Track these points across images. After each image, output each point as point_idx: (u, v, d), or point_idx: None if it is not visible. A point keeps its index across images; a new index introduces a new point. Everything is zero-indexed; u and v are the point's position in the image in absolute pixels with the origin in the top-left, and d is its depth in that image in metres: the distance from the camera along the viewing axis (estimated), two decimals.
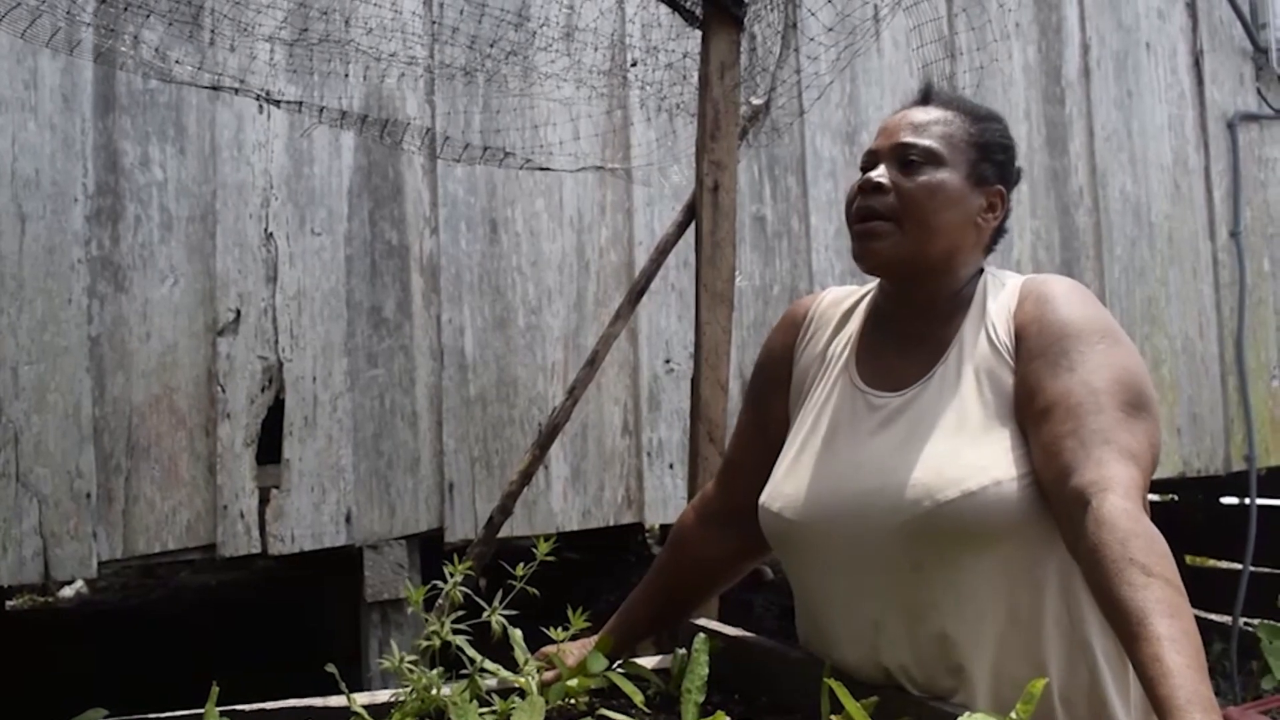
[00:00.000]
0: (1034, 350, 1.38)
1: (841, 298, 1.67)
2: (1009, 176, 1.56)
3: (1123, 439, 1.28)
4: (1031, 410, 1.35)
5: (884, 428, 1.46)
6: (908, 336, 1.52)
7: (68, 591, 7.81)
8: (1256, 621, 4.66)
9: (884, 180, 1.48)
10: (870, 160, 1.54)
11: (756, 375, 1.73)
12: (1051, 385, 1.34)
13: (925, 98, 1.58)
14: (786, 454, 1.57)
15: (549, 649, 1.62)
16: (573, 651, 1.61)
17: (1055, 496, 1.29)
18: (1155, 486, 5.40)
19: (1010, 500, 1.32)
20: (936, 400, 1.43)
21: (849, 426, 1.50)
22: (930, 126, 1.51)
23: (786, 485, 1.53)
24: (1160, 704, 1.03)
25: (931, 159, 1.48)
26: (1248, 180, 4.95)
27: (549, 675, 1.55)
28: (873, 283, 1.64)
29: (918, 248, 1.47)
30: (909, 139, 1.50)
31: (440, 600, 1.41)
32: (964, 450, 1.36)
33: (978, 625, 1.35)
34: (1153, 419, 1.35)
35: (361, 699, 1.41)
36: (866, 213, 1.49)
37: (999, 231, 1.56)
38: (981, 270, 1.54)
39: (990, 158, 1.52)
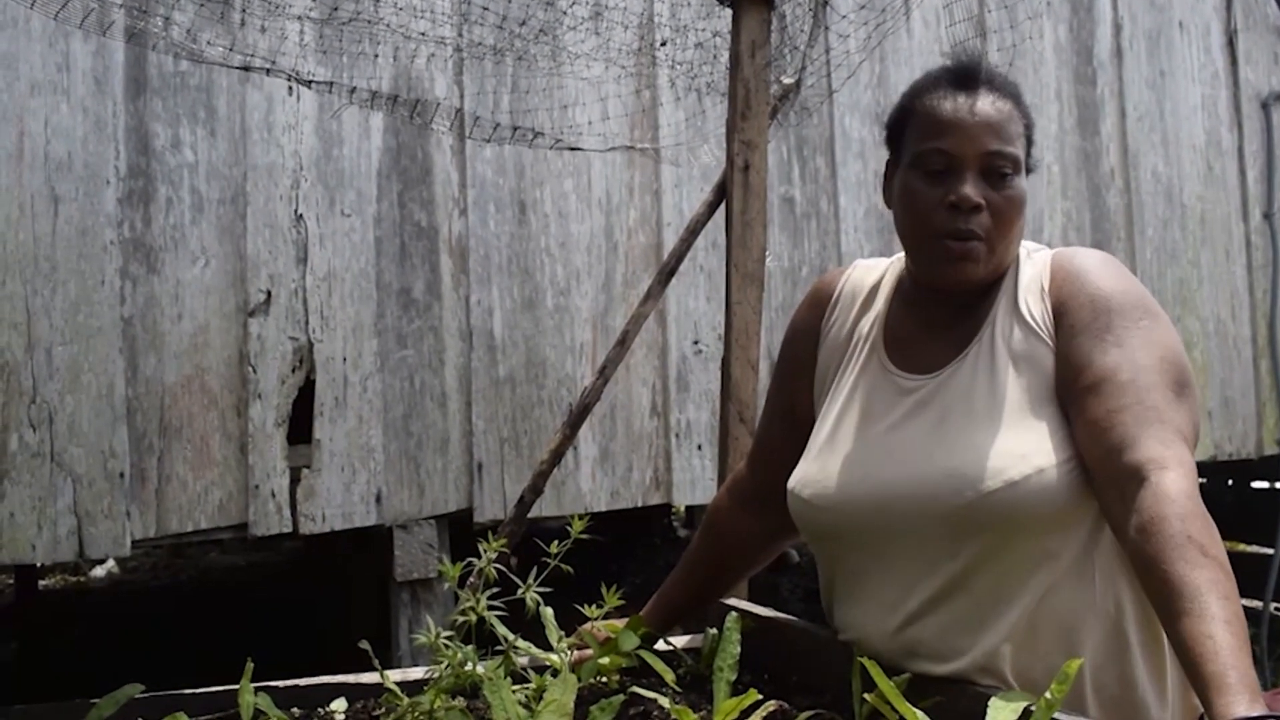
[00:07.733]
0: (1076, 326, 1.35)
1: (868, 273, 1.60)
2: None
3: (1175, 419, 1.27)
4: (1078, 386, 1.32)
5: (916, 413, 1.42)
6: (938, 318, 1.46)
7: (99, 571, 7.90)
8: None
9: (982, 201, 1.36)
10: (945, 163, 1.38)
11: (783, 354, 1.69)
12: (1099, 361, 1.31)
13: (976, 80, 1.41)
14: (816, 438, 1.53)
15: (584, 627, 1.61)
16: (606, 632, 1.60)
17: (1105, 471, 1.26)
18: None
19: (1053, 488, 1.29)
20: (970, 383, 1.39)
21: (879, 411, 1.46)
22: (1006, 127, 1.39)
23: (816, 471, 1.49)
24: (1209, 680, 1.01)
25: (1016, 168, 1.39)
26: None
27: (581, 654, 1.54)
28: (898, 254, 1.55)
29: (1001, 262, 1.41)
30: (997, 146, 1.37)
31: (472, 578, 1.41)
32: (1003, 437, 1.33)
33: (1012, 612, 1.32)
34: (1194, 400, 1.33)
35: (394, 675, 1.42)
36: (964, 234, 1.37)
37: None
38: None
39: (1033, 145, 1.45)
